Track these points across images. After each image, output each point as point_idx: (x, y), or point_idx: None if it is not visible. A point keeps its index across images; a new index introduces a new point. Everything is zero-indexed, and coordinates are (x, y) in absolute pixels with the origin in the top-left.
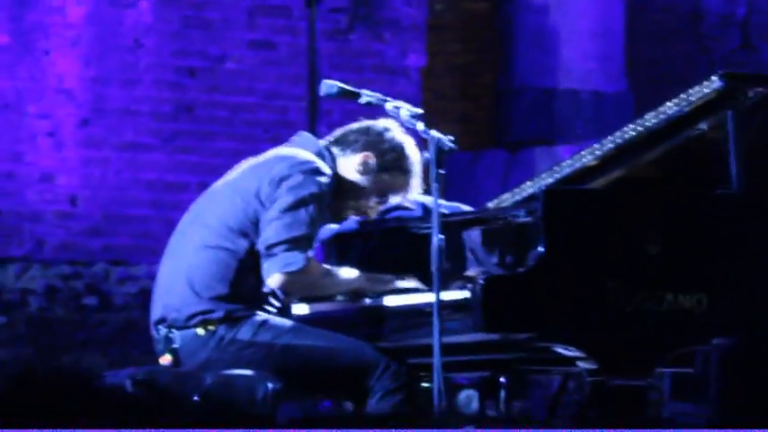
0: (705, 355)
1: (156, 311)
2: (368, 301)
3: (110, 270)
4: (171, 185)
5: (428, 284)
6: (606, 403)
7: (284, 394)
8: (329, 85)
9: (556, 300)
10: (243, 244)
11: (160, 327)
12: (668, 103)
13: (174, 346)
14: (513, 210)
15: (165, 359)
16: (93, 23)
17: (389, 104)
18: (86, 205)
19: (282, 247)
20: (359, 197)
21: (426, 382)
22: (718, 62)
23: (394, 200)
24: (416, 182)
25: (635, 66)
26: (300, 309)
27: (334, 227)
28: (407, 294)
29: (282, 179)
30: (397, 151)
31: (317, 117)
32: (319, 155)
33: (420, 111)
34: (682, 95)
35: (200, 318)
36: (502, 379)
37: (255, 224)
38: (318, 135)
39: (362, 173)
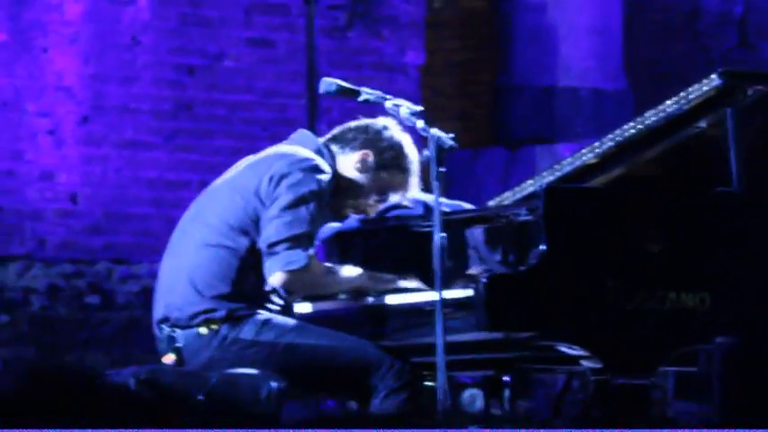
0: (708, 353)
1: (158, 311)
2: (371, 299)
3: (112, 269)
4: (171, 183)
5: (430, 283)
6: (610, 402)
7: (288, 393)
8: (328, 83)
9: (558, 298)
10: (244, 242)
11: (163, 326)
12: (668, 101)
13: (178, 345)
14: (514, 208)
15: (169, 358)
16: (91, 21)
17: (389, 102)
18: (87, 203)
19: (284, 245)
20: (358, 195)
21: (430, 381)
22: (716, 60)
23: (393, 198)
24: (415, 180)
25: (633, 64)
26: (303, 307)
27: (335, 225)
28: (410, 293)
29: (282, 177)
30: (396, 149)
31: (317, 115)
32: (318, 152)
33: (419, 108)
34: (681, 93)
35: (202, 317)
36: (506, 378)
37: (256, 222)
38: (318, 133)
39: (361, 171)
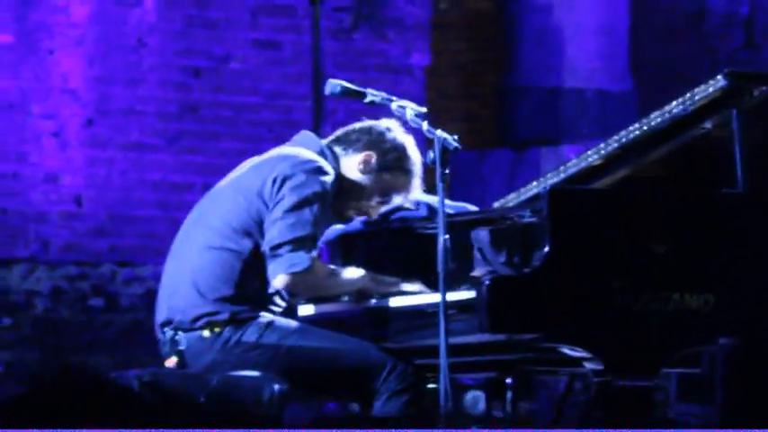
0: (711, 355)
1: (161, 313)
2: (373, 301)
3: (116, 271)
4: (176, 186)
5: (433, 285)
6: (612, 404)
7: (290, 396)
8: (333, 85)
9: (561, 300)
10: (247, 244)
11: (166, 329)
12: (673, 103)
13: (180, 348)
14: (518, 210)
15: (171, 361)
16: (97, 22)
17: (394, 104)
18: (92, 205)
19: (287, 247)
20: (360, 197)
21: (433, 383)
22: (721, 61)
23: (396, 200)
24: (417, 182)
25: (639, 65)
26: (306, 309)
27: (339, 227)
28: (413, 295)
29: (285, 179)
30: (399, 151)
31: (322, 116)
32: (321, 154)
33: (424, 110)
34: (687, 94)
35: (205, 319)
36: (508, 380)
37: (259, 224)
38: (323, 135)
39: (364, 172)
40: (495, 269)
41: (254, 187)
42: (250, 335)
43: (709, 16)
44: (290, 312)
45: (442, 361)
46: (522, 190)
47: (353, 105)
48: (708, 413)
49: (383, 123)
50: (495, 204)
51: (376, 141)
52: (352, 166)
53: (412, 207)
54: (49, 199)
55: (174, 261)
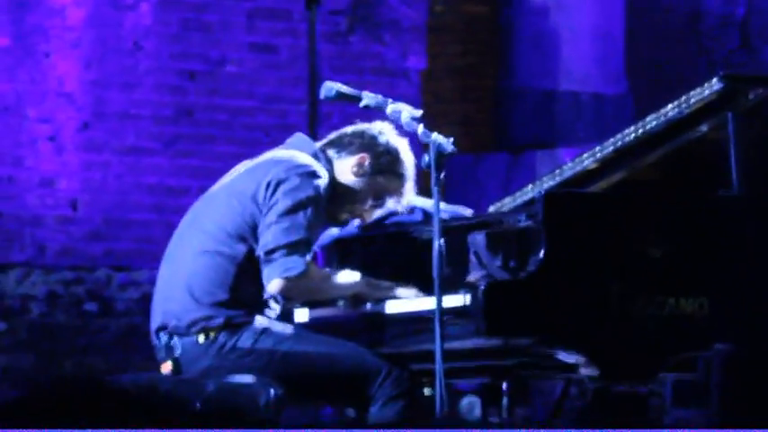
0: (707, 360)
1: (156, 318)
2: (369, 306)
3: (112, 275)
4: (172, 189)
5: (429, 289)
6: (608, 409)
7: (286, 401)
8: (329, 88)
9: (556, 304)
10: (241, 249)
11: (161, 334)
12: (669, 105)
13: (176, 354)
14: (513, 214)
15: (167, 367)
16: (93, 26)
17: (390, 107)
18: (87, 210)
19: (281, 252)
20: (354, 200)
21: (428, 388)
22: (717, 63)
23: (389, 203)
24: (411, 185)
25: (635, 68)
26: (302, 314)
27: (335, 232)
28: (408, 300)
29: (279, 182)
30: (392, 154)
31: (318, 120)
32: (315, 157)
33: (420, 113)
34: (682, 97)
35: (200, 324)
36: (504, 385)
37: (253, 228)
38: (319, 138)
39: (357, 175)
40: (491, 273)
41: (249, 191)
42: (245, 340)
43: (705, 18)
44: (286, 317)
45: (438, 366)
46: (518, 194)
47: (349, 109)
48: (703, 418)
49: (376, 126)
50: (491, 208)
51: (369, 144)
52: (346, 169)
53: (405, 211)
54: (45, 203)
55: (169, 265)
